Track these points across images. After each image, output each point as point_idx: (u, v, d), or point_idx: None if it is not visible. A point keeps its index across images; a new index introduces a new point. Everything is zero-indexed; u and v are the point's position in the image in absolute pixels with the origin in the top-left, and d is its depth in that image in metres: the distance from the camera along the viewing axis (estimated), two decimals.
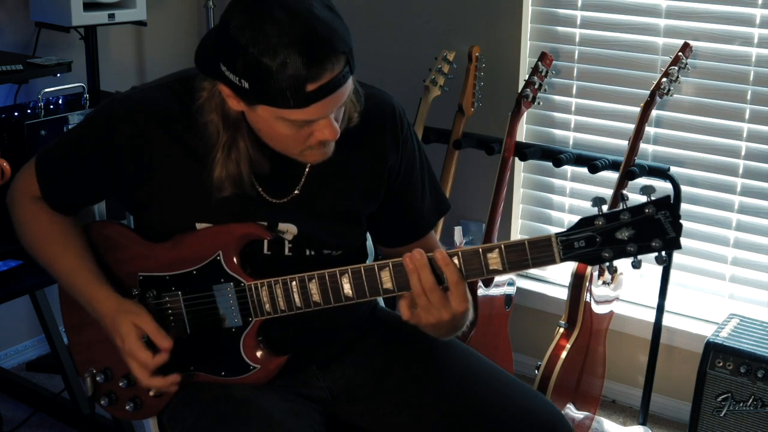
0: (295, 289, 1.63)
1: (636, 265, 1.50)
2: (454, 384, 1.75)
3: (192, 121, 1.60)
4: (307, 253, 1.70)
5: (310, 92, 1.44)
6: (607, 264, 1.50)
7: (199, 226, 1.67)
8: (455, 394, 1.73)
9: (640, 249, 1.46)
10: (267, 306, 1.65)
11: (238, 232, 1.65)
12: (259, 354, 1.68)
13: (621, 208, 1.47)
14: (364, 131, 1.66)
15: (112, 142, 1.64)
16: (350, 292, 1.61)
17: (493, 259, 1.53)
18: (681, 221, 1.45)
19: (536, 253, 1.51)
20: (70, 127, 2.57)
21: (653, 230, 1.45)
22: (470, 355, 1.82)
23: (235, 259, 1.65)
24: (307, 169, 1.67)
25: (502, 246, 1.53)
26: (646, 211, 1.45)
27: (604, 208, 1.49)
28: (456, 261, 1.54)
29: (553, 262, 1.51)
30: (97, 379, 1.78)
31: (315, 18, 1.43)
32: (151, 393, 1.73)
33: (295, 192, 1.67)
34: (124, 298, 1.68)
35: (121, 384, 1.76)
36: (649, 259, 1.50)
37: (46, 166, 1.74)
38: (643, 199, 1.46)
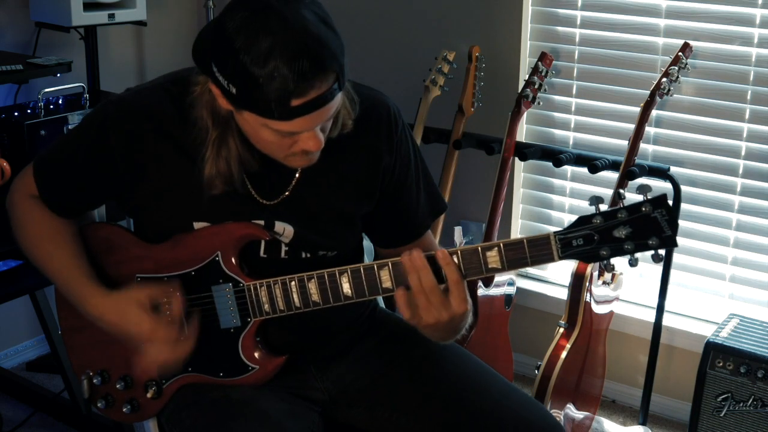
0: (294, 289, 1.62)
1: (633, 263, 1.51)
2: (452, 390, 1.74)
3: (186, 122, 1.60)
4: (303, 255, 1.70)
5: (295, 107, 1.44)
6: (605, 262, 1.51)
7: (197, 225, 1.66)
8: (452, 400, 1.73)
9: (637, 247, 1.47)
10: (266, 306, 1.65)
11: (237, 232, 1.65)
12: (257, 354, 1.68)
13: (619, 206, 1.48)
14: (358, 132, 1.65)
15: (106, 145, 1.64)
16: (349, 291, 1.60)
17: (492, 257, 1.54)
18: (678, 219, 1.46)
19: (535, 251, 1.52)
20: (70, 127, 2.57)
21: (650, 228, 1.46)
22: (469, 361, 1.81)
23: (233, 260, 1.65)
24: (298, 171, 1.67)
25: (501, 244, 1.53)
26: (643, 209, 1.46)
27: (602, 206, 1.50)
28: (455, 259, 1.55)
29: (551, 260, 1.52)
30: (94, 381, 1.77)
31: (309, 33, 1.42)
32: (149, 395, 1.73)
33: (286, 193, 1.67)
34: (117, 291, 1.66)
35: (118, 386, 1.75)
36: (647, 258, 1.51)
37: (43, 169, 1.74)
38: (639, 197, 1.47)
